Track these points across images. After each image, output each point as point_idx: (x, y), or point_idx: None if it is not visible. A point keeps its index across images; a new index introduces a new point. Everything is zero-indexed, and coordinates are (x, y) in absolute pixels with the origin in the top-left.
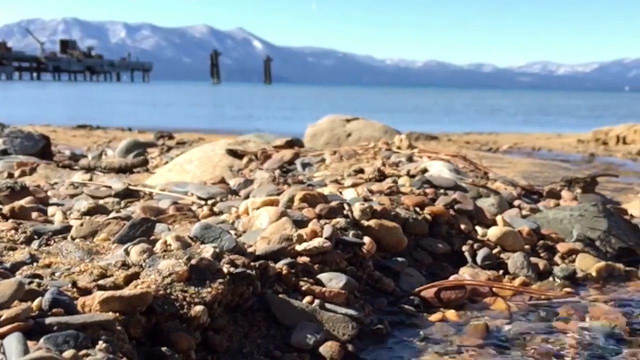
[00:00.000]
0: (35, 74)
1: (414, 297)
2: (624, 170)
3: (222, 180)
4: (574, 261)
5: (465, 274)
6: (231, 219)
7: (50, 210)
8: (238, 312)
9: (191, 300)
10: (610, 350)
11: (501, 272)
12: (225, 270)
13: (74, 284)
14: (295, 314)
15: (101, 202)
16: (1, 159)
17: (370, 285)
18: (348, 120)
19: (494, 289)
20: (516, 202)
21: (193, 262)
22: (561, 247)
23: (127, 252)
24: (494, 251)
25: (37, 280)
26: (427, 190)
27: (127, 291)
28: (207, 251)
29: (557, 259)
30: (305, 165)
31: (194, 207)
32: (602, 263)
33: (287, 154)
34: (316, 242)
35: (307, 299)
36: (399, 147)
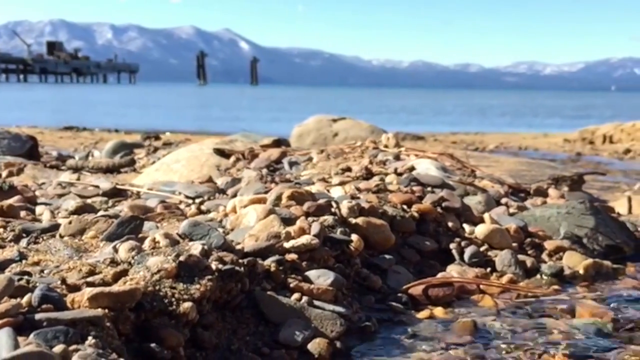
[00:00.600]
0: (22, 76)
1: (402, 294)
2: (610, 169)
3: (210, 180)
4: (561, 259)
5: (452, 271)
6: (219, 217)
7: (38, 209)
8: (226, 309)
9: (180, 296)
10: (597, 347)
11: (489, 269)
12: (213, 267)
13: (63, 281)
14: (284, 311)
15: (89, 201)
16: None
17: (358, 282)
18: (335, 120)
19: (481, 287)
20: (503, 200)
21: (182, 259)
22: (548, 245)
23: (115, 250)
24: (482, 249)
25: (26, 277)
26: (415, 188)
27: (115, 287)
28: (195, 248)
29: (544, 256)
30: (292, 164)
31: (181, 206)
32: (590, 260)
33: (275, 153)
34: (304, 240)
35: (295, 296)
36: (386, 146)
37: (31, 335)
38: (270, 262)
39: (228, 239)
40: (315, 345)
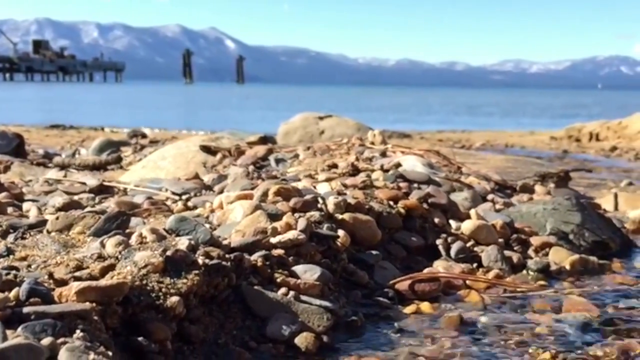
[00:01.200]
0: (7, 75)
1: (389, 289)
2: (597, 166)
3: (196, 176)
4: (547, 254)
5: (439, 267)
6: (206, 213)
7: (25, 206)
8: (214, 303)
9: (167, 291)
10: (583, 341)
11: (475, 265)
12: (200, 262)
13: (51, 275)
14: (271, 306)
15: (76, 198)
16: None
17: (344, 278)
18: (321, 118)
19: (468, 282)
20: (490, 197)
21: (168, 253)
22: (535, 241)
23: (102, 245)
24: (468, 244)
25: (13, 272)
26: (401, 185)
27: (103, 282)
28: (182, 243)
29: (530, 252)
30: (278, 161)
31: (168, 202)
32: (576, 256)
33: (261, 150)
34: (291, 235)
35: (282, 290)
36: (372, 143)
37: (19, 328)
38: (257, 257)
39: (215, 235)
40: (302, 340)
